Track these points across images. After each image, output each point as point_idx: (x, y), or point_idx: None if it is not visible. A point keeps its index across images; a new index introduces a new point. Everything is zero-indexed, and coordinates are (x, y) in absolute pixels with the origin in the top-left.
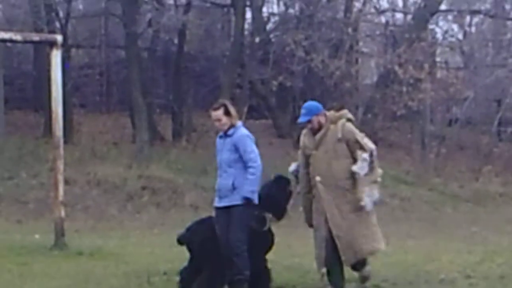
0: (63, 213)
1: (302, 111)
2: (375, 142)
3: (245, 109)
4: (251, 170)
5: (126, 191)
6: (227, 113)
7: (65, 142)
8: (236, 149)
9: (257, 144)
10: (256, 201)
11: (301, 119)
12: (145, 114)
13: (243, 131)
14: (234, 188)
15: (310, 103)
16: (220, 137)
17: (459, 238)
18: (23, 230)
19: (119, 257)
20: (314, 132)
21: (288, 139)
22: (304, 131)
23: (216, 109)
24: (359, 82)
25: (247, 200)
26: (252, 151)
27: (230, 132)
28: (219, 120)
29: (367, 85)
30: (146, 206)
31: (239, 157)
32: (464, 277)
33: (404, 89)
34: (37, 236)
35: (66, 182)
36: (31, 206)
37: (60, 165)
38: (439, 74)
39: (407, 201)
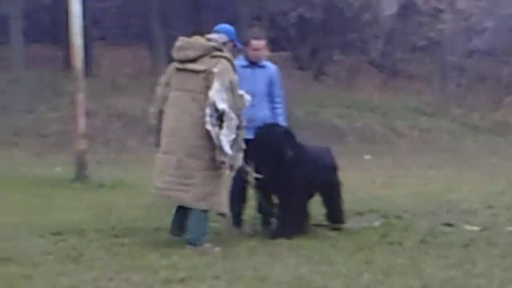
0: (84, 146)
1: None
2: (395, 74)
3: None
4: (281, 105)
5: (146, 123)
6: (266, 44)
7: (85, 75)
8: (270, 82)
9: None
10: None
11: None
12: (164, 47)
13: (273, 65)
14: (268, 119)
15: None
16: (245, 66)
17: (480, 169)
18: (43, 163)
19: (141, 189)
20: None
21: (307, 71)
22: None
23: (260, 38)
24: (379, 13)
25: None
26: (281, 88)
27: (262, 63)
28: (259, 49)
29: (387, 16)
30: None
31: (269, 90)
32: (486, 207)
33: (424, 19)
34: (58, 169)
35: (87, 115)
36: (51, 139)
37: (81, 97)
38: (459, 4)
39: (427, 132)
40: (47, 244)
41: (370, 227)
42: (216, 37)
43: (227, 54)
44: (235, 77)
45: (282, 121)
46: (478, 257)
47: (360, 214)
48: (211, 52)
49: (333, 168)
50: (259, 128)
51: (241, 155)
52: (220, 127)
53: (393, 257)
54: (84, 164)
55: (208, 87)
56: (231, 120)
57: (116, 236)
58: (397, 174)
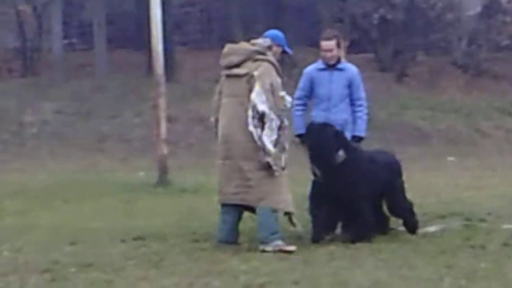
0: (165, 151)
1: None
2: (479, 74)
3: (347, 43)
4: (362, 108)
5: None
6: (338, 44)
7: (167, 80)
8: (349, 84)
9: None
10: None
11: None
12: None
13: (353, 66)
14: (346, 123)
15: None
16: (322, 69)
17: None
18: (127, 168)
19: None
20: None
21: (389, 73)
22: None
23: (329, 39)
24: (462, 13)
25: (360, 139)
26: (363, 90)
27: (340, 65)
28: (330, 50)
29: (470, 16)
30: None
31: (349, 92)
32: None
33: (509, 19)
34: (141, 173)
35: (169, 119)
36: (135, 144)
37: (162, 102)
38: None
39: None
40: (129, 249)
41: (452, 231)
42: (260, 41)
43: (269, 57)
44: (276, 79)
45: (361, 126)
46: None
47: (442, 217)
48: (253, 56)
49: (395, 173)
50: (307, 129)
51: (285, 156)
52: (262, 128)
53: (476, 261)
54: (166, 169)
55: (250, 90)
56: (272, 121)
57: (197, 241)
58: (481, 176)
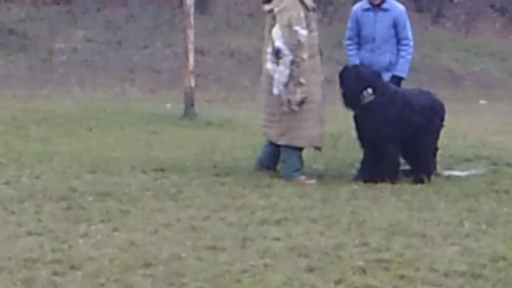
0: (193, 83)
1: None
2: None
3: None
4: (407, 48)
5: (259, 62)
6: None
7: (200, 12)
8: (394, 24)
9: None
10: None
11: None
12: None
13: (400, 5)
14: (391, 64)
15: None
16: (367, 9)
17: None
18: (155, 99)
19: (248, 129)
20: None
21: (426, 13)
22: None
23: None
24: None
25: (400, 79)
26: (409, 29)
27: (385, 5)
28: None
29: None
30: None
31: (395, 33)
32: None
33: None
34: (168, 105)
35: (200, 52)
36: (164, 76)
37: (191, 34)
38: None
39: None
40: (148, 180)
41: (477, 175)
42: None
43: None
44: (296, 13)
45: (402, 65)
46: None
47: (469, 160)
48: None
49: (432, 113)
50: (342, 69)
51: (300, 90)
52: (278, 64)
53: (498, 206)
54: (193, 101)
55: (273, 26)
56: (285, 56)
57: (217, 175)
58: (511, 121)
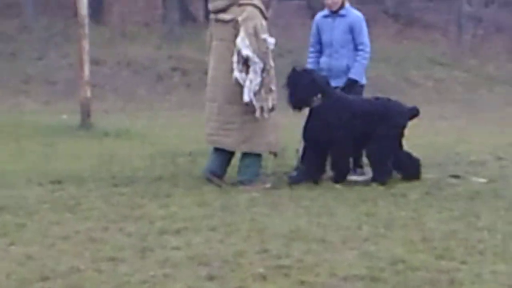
0: (89, 93)
1: None
2: (411, 23)
3: None
4: (363, 53)
5: (156, 72)
6: None
7: (96, 22)
8: (350, 29)
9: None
10: (363, 83)
11: None
12: None
13: (357, 12)
14: (348, 69)
15: None
16: (326, 16)
17: (493, 120)
18: (51, 110)
19: (146, 138)
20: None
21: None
22: None
23: None
24: None
25: (354, 82)
26: (366, 35)
27: (342, 12)
28: None
29: None
30: (176, 87)
31: (352, 38)
32: (495, 159)
33: None
34: (64, 116)
35: (96, 62)
36: (60, 87)
37: (86, 44)
38: None
39: (442, 82)
40: (45, 193)
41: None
42: None
43: (254, 1)
44: (259, 22)
45: (356, 69)
46: (482, 210)
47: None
48: (237, 0)
49: (380, 120)
50: (290, 72)
51: (272, 97)
52: (247, 72)
53: (396, 209)
54: (89, 112)
55: (236, 36)
56: (255, 64)
57: (116, 185)
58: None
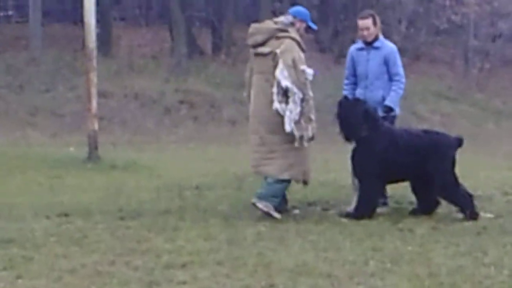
0: (96, 126)
1: None
2: (417, 57)
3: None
4: (398, 83)
5: (163, 104)
6: (374, 23)
7: (104, 55)
8: (385, 62)
9: None
10: (396, 113)
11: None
12: (184, 27)
13: (391, 44)
14: (383, 99)
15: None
16: (361, 49)
17: (500, 155)
18: (58, 143)
19: (153, 171)
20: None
21: (328, 53)
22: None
23: (365, 18)
24: None
25: (390, 109)
26: (401, 66)
27: (376, 44)
28: (367, 29)
29: None
30: (184, 120)
31: (386, 70)
32: (502, 194)
33: (448, 2)
34: (71, 149)
35: (103, 95)
36: (67, 119)
37: (94, 77)
38: None
39: (448, 116)
40: (52, 226)
41: (381, 214)
42: (282, 19)
43: (292, 34)
44: (298, 54)
45: (392, 98)
46: (489, 246)
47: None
48: (275, 34)
49: (434, 156)
50: (339, 103)
51: (312, 126)
52: (287, 102)
53: (403, 244)
54: (96, 144)
55: (275, 67)
56: (295, 94)
57: (122, 218)
58: None
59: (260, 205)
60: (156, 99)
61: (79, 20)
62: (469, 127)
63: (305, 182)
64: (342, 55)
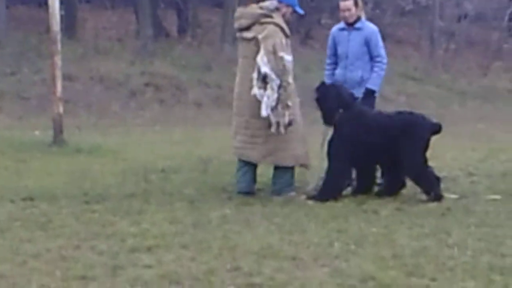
0: (61, 109)
1: None
2: (383, 38)
3: None
4: (380, 65)
5: (129, 87)
6: (356, 4)
7: (69, 38)
8: (366, 42)
9: None
10: (376, 95)
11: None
12: (149, 9)
13: (372, 25)
14: (362, 80)
15: None
16: (342, 29)
17: (465, 135)
18: (24, 126)
19: (118, 155)
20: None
21: (294, 35)
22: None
23: None
24: None
25: (371, 92)
26: (382, 47)
27: (358, 25)
28: (348, 10)
29: None
30: (149, 103)
31: (367, 50)
32: (466, 175)
33: None
34: (37, 132)
35: (69, 78)
36: (33, 102)
37: (58, 60)
38: None
39: (414, 97)
40: (16, 210)
41: (346, 195)
42: (267, 4)
43: (275, 19)
44: (279, 40)
45: (374, 80)
46: (453, 226)
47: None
48: (259, 19)
49: (404, 136)
50: (317, 88)
51: (288, 113)
52: (265, 88)
53: (367, 226)
54: (61, 128)
55: (257, 53)
56: (273, 81)
57: (87, 202)
58: None
59: (281, 198)
60: (122, 82)
61: (44, 2)
62: (435, 108)
63: (303, 166)
64: (308, 36)
